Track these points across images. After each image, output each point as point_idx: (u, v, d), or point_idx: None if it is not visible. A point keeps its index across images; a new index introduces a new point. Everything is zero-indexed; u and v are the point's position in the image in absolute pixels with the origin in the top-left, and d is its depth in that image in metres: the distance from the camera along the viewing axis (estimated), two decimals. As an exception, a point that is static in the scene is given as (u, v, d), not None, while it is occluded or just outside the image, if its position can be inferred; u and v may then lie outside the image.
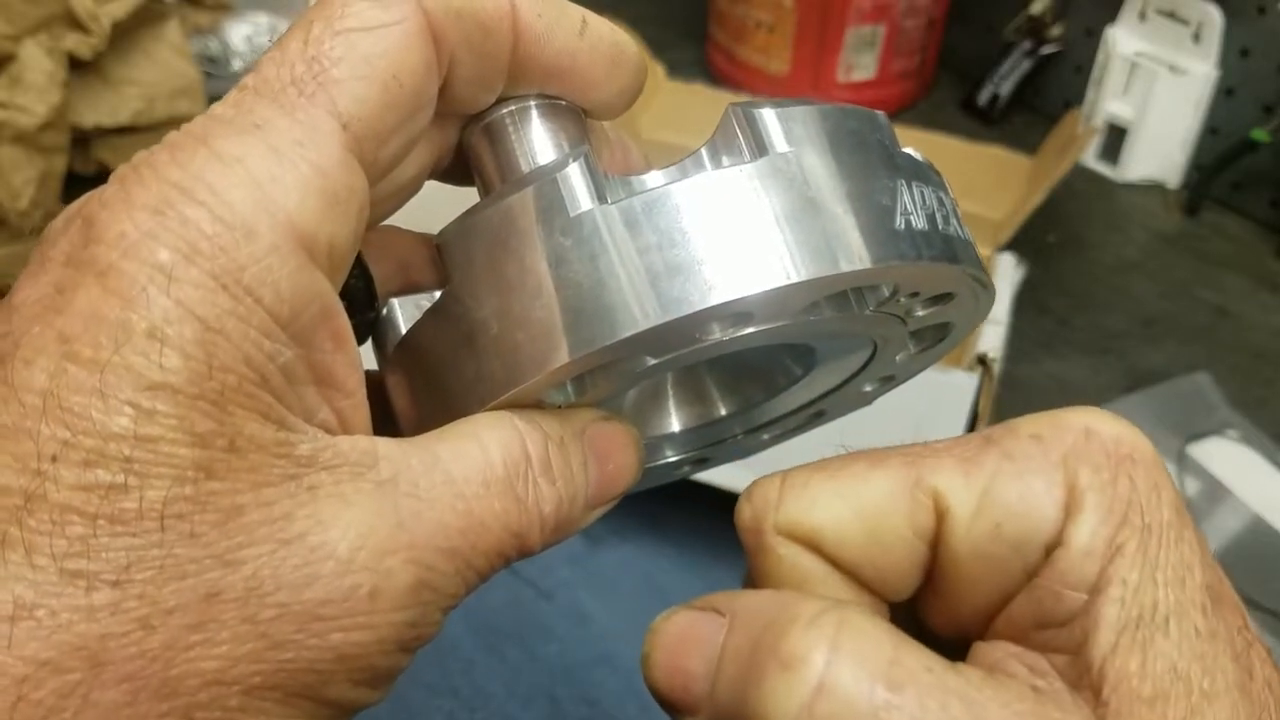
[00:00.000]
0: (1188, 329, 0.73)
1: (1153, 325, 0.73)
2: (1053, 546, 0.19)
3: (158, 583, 0.16)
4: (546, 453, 0.20)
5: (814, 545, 0.20)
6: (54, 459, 0.16)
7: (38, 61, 0.67)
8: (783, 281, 0.19)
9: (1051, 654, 0.19)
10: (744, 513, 0.21)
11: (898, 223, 0.20)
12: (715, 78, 0.96)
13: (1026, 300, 0.71)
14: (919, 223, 0.20)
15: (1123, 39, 0.84)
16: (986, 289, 0.24)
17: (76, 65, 0.70)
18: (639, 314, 0.18)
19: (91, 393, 0.16)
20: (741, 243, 0.19)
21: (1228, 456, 0.62)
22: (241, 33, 0.91)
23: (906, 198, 0.21)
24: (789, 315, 0.20)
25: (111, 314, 0.16)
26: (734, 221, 0.19)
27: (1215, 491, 0.60)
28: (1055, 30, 0.90)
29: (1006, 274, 0.62)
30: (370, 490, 0.18)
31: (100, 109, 0.72)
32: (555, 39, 0.21)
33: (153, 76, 0.73)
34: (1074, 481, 0.19)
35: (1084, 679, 0.18)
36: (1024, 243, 0.64)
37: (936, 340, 0.26)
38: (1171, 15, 0.82)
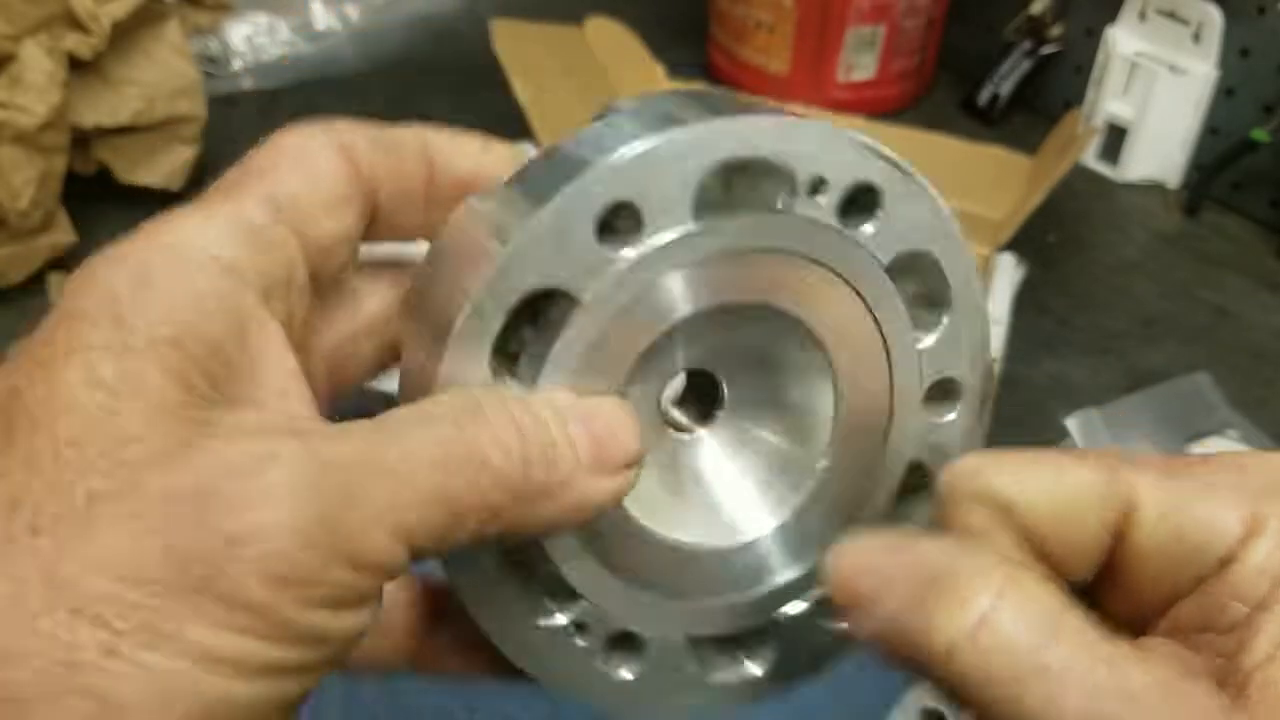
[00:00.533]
0: (1188, 329, 0.73)
1: (1153, 325, 0.73)
2: (1228, 560, 0.21)
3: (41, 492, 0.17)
4: (503, 402, 0.21)
5: (1006, 512, 0.22)
6: None
7: (38, 61, 0.67)
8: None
9: (1207, 655, 0.21)
10: (947, 475, 0.23)
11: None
12: (716, 78, 0.96)
13: (1026, 300, 0.71)
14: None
15: (1123, 39, 0.84)
16: (908, 175, 0.25)
17: (76, 65, 0.70)
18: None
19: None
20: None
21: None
22: (241, 33, 0.91)
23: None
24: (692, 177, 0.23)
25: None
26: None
27: (1215, 491, 0.60)
28: (1055, 30, 0.90)
29: (1006, 274, 0.62)
30: (284, 424, 0.20)
31: (100, 109, 0.72)
32: (461, 162, 0.26)
33: (153, 76, 0.73)
34: (1261, 510, 0.21)
35: (1231, 680, 0.20)
36: (1024, 243, 0.65)
37: (938, 304, 0.26)
38: (1171, 15, 0.82)
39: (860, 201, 0.25)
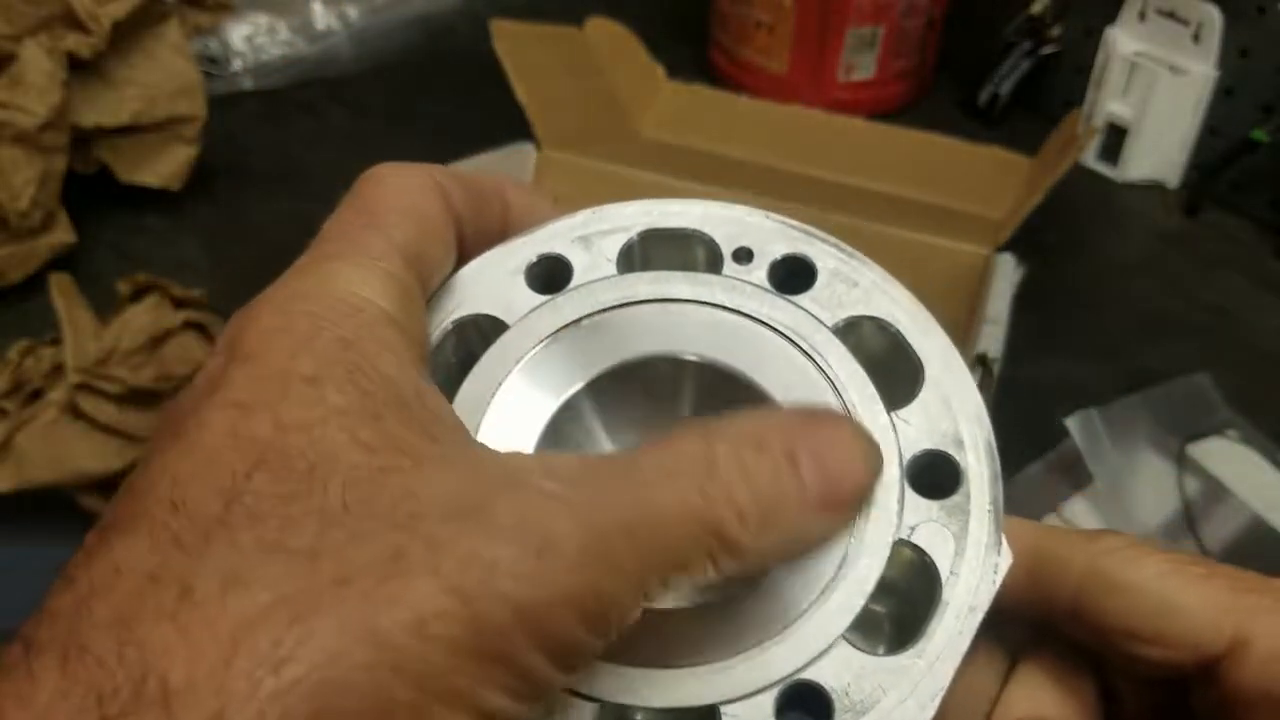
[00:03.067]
0: (1188, 329, 0.73)
1: (1153, 325, 0.73)
2: None
3: (348, 547, 0.17)
4: (734, 448, 0.20)
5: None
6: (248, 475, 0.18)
7: (38, 62, 0.67)
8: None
9: None
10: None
11: None
12: (716, 78, 0.96)
13: (1026, 300, 0.71)
14: None
15: (1123, 39, 0.84)
16: (852, 257, 0.26)
17: (77, 65, 0.70)
18: None
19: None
20: None
21: (1228, 456, 0.62)
22: (241, 33, 0.91)
23: None
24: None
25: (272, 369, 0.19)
26: None
27: (1215, 491, 0.60)
28: (1055, 30, 0.90)
29: (1006, 274, 0.62)
30: (536, 466, 0.19)
31: (100, 109, 0.72)
32: (538, 208, 0.27)
33: (153, 77, 0.73)
34: None
35: None
36: (1024, 243, 0.65)
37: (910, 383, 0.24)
38: (1171, 15, 0.82)
39: (796, 273, 0.25)
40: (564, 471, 0.19)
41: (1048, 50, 0.90)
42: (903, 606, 0.22)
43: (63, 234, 0.70)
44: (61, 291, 0.57)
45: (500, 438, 0.23)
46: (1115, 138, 0.86)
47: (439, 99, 0.92)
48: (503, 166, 0.68)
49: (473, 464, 0.19)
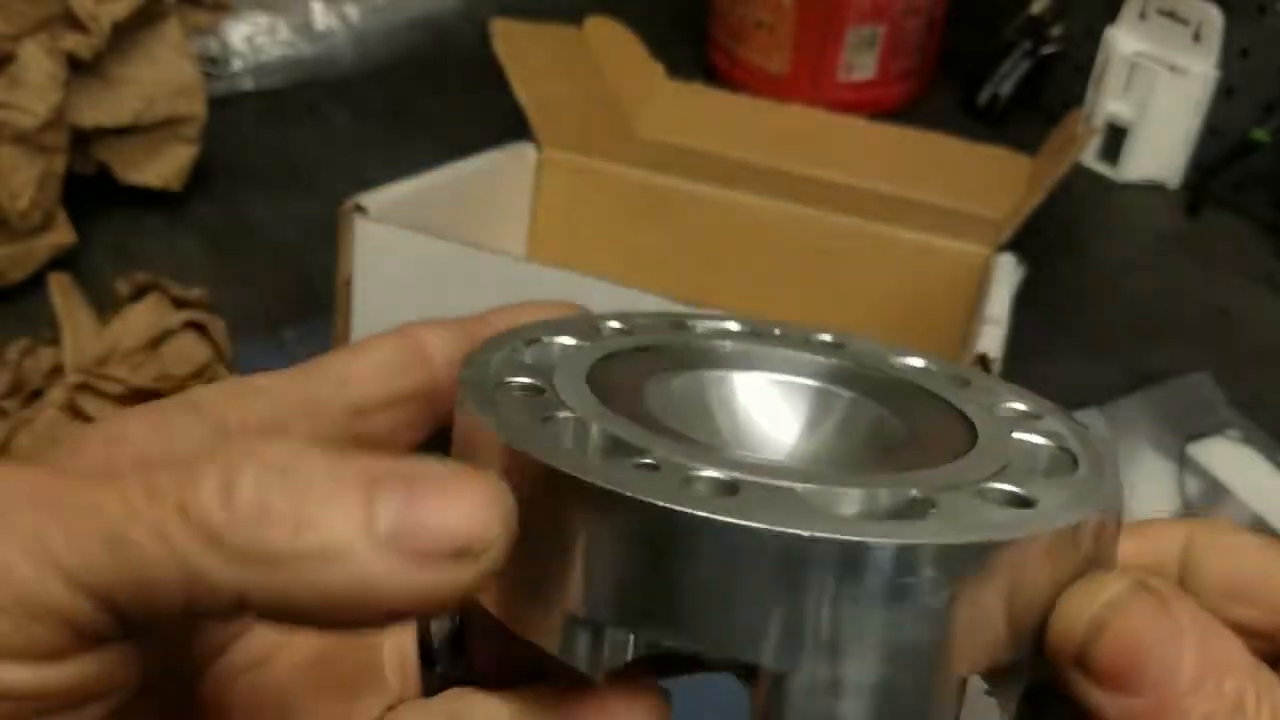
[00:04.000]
0: (1188, 329, 0.73)
1: (1153, 325, 0.73)
2: None
3: None
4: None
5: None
6: None
7: (37, 61, 0.67)
8: None
9: None
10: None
11: None
12: (716, 78, 0.96)
13: (1026, 300, 0.71)
14: None
15: (1123, 39, 0.84)
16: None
17: (76, 65, 0.70)
18: None
19: None
20: None
21: (1228, 456, 0.62)
22: (241, 33, 0.91)
23: None
24: None
25: None
26: None
27: (1215, 491, 0.60)
28: (1055, 30, 0.90)
29: (1006, 274, 0.62)
30: None
31: (100, 109, 0.72)
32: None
33: (153, 76, 0.73)
34: None
35: None
36: (1024, 242, 0.65)
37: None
38: (1172, 15, 0.82)
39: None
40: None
41: (1048, 50, 0.90)
42: None
43: (62, 234, 0.70)
44: (61, 291, 0.57)
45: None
46: (1115, 138, 0.86)
47: (439, 99, 0.92)
48: (502, 166, 0.68)
49: None
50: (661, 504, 0.16)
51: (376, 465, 0.16)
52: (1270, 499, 0.59)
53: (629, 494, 0.16)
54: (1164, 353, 0.70)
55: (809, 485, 0.17)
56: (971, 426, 0.21)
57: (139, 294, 0.58)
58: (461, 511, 0.15)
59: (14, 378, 0.54)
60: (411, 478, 0.16)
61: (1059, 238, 0.80)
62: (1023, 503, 0.18)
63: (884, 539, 0.16)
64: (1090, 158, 0.87)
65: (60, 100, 0.67)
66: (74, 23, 0.70)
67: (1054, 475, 0.19)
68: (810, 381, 0.23)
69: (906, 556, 0.16)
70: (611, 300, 0.50)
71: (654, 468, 0.17)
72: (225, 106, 0.87)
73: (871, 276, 0.67)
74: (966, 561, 0.16)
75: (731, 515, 0.16)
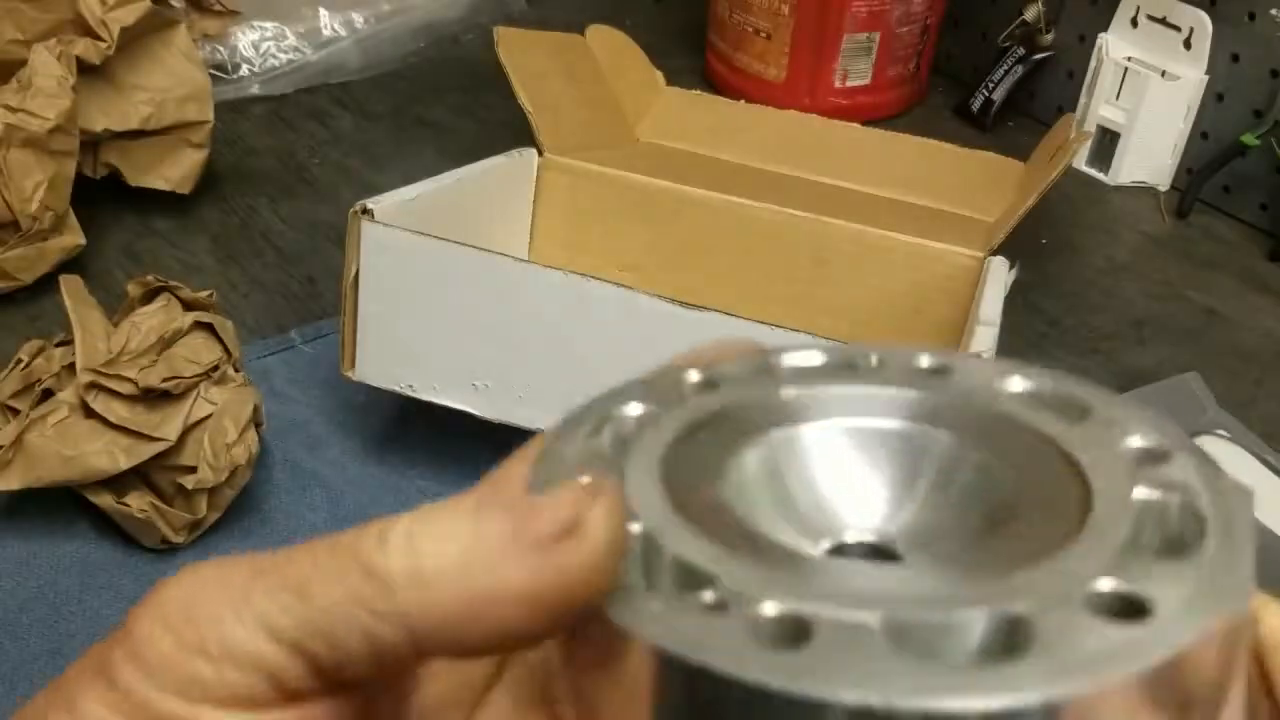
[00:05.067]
0: (1178, 330, 0.74)
1: (1143, 326, 0.74)
2: None
3: None
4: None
5: None
6: None
7: (48, 67, 0.68)
8: None
9: None
10: None
11: None
12: (714, 84, 0.97)
13: (1018, 302, 0.72)
14: None
15: (1114, 45, 0.85)
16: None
17: (86, 70, 0.71)
18: None
19: None
20: None
21: (1218, 456, 0.62)
22: (249, 39, 0.92)
23: None
24: None
25: None
26: None
27: (1204, 489, 0.61)
28: (1048, 37, 0.91)
29: (1000, 277, 0.63)
30: None
31: (110, 114, 0.73)
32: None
33: (162, 82, 0.75)
34: None
35: None
36: (1017, 245, 0.66)
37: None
38: (1163, 22, 0.83)
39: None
40: None
41: (1040, 56, 0.91)
42: None
43: (73, 236, 0.71)
44: (71, 292, 0.58)
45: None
46: (1107, 142, 0.87)
47: (443, 105, 0.93)
48: (506, 171, 0.69)
49: None
50: (726, 672, 0.15)
51: (490, 497, 0.19)
52: (1260, 499, 0.60)
53: (693, 661, 0.16)
54: (1154, 354, 0.71)
55: (891, 617, 0.16)
56: (1086, 482, 0.19)
57: (149, 295, 0.59)
58: (560, 500, 0.18)
59: (25, 377, 0.55)
60: (519, 500, 0.18)
61: (1051, 241, 0.81)
62: (1139, 609, 0.16)
63: (969, 704, 0.14)
64: (1082, 162, 0.88)
65: (70, 105, 0.68)
66: (84, 29, 0.71)
67: (1177, 553, 0.17)
68: (902, 424, 0.21)
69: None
70: (612, 299, 0.52)
71: (721, 606, 0.16)
72: (233, 112, 0.88)
73: (867, 279, 0.68)
74: (1064, 711, 0.15)
75: (800, 681, 0.15)
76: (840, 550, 0.21)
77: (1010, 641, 0.16)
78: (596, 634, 0.18)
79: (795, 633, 0.16)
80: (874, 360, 0.23)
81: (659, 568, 0.18)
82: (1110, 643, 0.15)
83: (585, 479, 0.19)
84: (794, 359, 0.23)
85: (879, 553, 0.20)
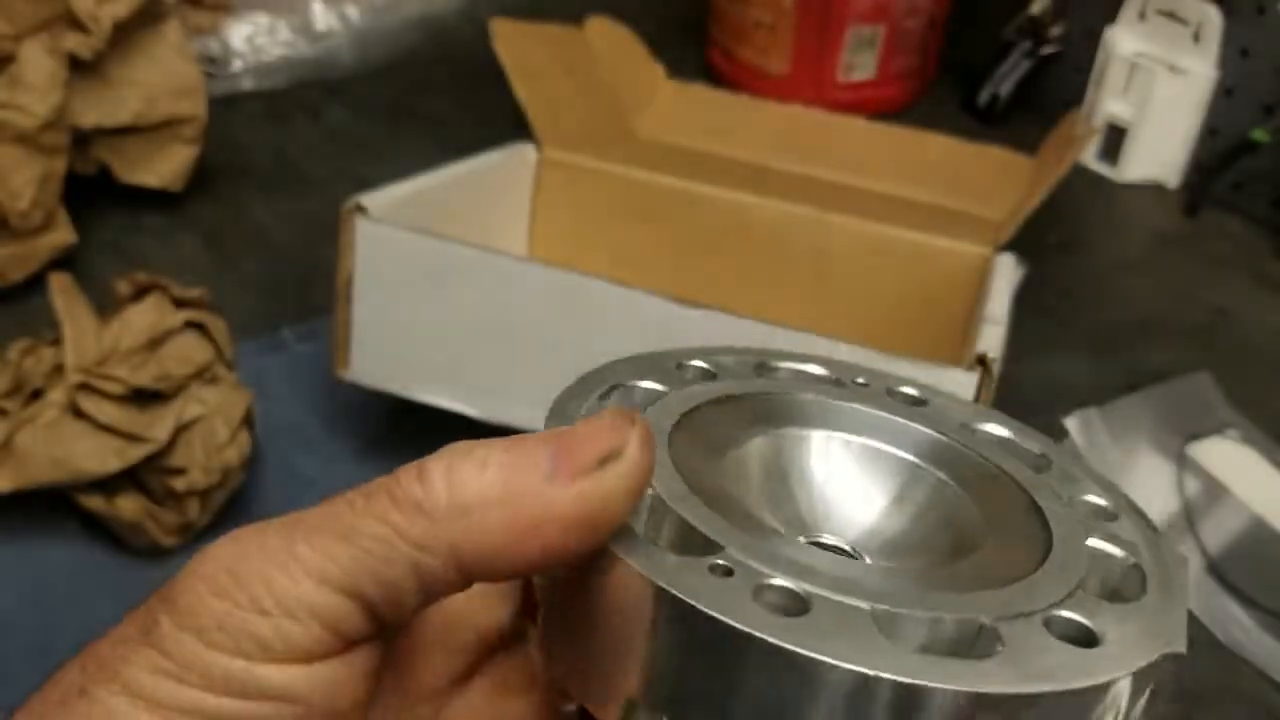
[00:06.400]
0: (1188, 329, 0.73)
1: (1152, 325, 0.73)
2: None
3: None
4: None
5: None
6: None
7: (38, 62, 0.67)
8: None
9: None
10: None
11: None
12: (715, 78, 0.96)
13: (1026, 300, 0.71)
14: None
15: (1122, 39, 0.84)
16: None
17: (77, 65, 0.70)
18: None
19: None
20: None
21: (1228, 456, 0.62)
22: (242, 33, 0.91)
23: None
24: None
25: None
26: None
27: (1215, 491, 0.60)
28: (1055, 30, 0.90)
29: (1006, 274, 0.62)
30: None
31: (101, 109, 0.72)
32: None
33: (153, 77, 0.74)
34: None
35: None
36: (1024, 243, 0.65)
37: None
38: (1171, 15, 0.82)
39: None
40: None
41: (1048, 50, 0.90)
42: None
43: (63, 234, 0.70)
44: (62, 291, 0.57)
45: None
46: (1115, 138, 0.86)
47: (439, 99, 0.92)
48: (503, 166, 0.68)
49: None
50: (733, 624, 0.17)
51: (530, 436, 0.19)
52: (1270, 499, 0.59)
53: (702, 608, 0.17)
54: (1163, 353, 0.70)
55: (879, 605, 0.17)
56: (1047, 526, 0.21)
57: (139, 294, 0.58)
58: (600, 426, 0.19)
59: (14, 377, 0.54)
60: (558, 433, 0.19)
61: (1059, 238, 0.80)
62: (1090, 639, 0.18)
63: (946, 684, 0.16)
64: (1090, 158, 0.87)
65: (61, 100, 0.67)
66: (75, 23, 0.70)
67: (1124, 598, 0.19)
68: (897, 452, 0.23)
69: (967, 703, 0.16)
70: (612, 297, 0.51)
71: (728, 572, 0.18)
72: (226, 107, 0.87)
73: (872, 276, 0.67)
74: (1027, 709, 0.17)
75: (801, 642, 0.16)
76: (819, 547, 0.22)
77: (981, 645, 0.17)
78: (613, 576, 0.18)
79: (795, 606, 0.17)
80: (860, 380, 0.25)
81: (667, 527, 0.19)
82: (1068, 658, 0.17)
83: (617, 409, 0.19)
84: (790, 365, 0.25)
85: (851, 557, 0.22)
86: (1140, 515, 0.22)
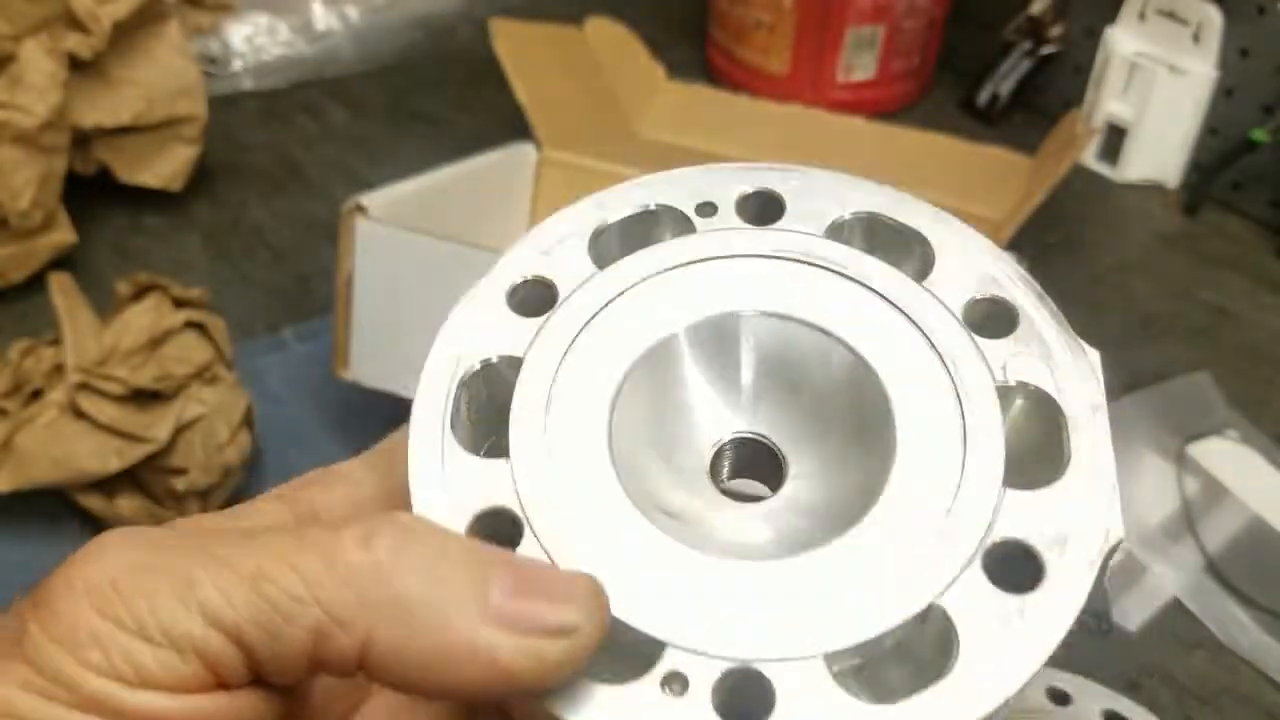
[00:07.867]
0: (1187, 329, 0.73)
1: (1152, 325, 0.73)
2: None
3: None
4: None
5: None
6: None
7: (38, 62, 0.67)
8: None
9: None
10: None
11: None
12: (715, 78, 0.96)
13: (1026, 300, 0.71)
14: None
15: (1122, 39, 0.84)
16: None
17: (77, 65, 0.70)
18: None
19: None
20: None
21: (1228, 456, 0.62)
22: (242, 33, 0.91)
23: None
24: None
25: None
26: None
27: (1215, 491, 0.60)
28: (1055, 30, 0.90)
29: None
30: None
31: (101, 109, 0.72)
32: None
33: (153, 77, 0.73)
34: None
35: None
36: (1024, 243, 0.65)
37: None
38: (1171, 16, 0.82)
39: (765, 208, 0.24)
40: None
41: (1048, 50, 0.90)
42: None
43: (63, 234, 0.70)
44: (62, 291, 0.57)
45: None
46: (1115, 138, 0.86)
47: (439, 99, 0.92)
48: (503, 166, 0.68)
49: None
50: None
51: (489, 550, 0.18)
52: (1269, 499, 0.59)
53: None
54: (1163, 353, 0.70)
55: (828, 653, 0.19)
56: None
57: (139, 294, 0.58)
58: (567, 592, 0.18)
59: (15, 377, 0.54)
60: (519, 565, 0.18)
61: (1059, 238, 0.80)
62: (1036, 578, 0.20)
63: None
64: (1090, 158, 0.87)
65: (61, 100, 0.67)
66: (75, 23, 0.70)
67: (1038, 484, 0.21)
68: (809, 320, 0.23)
69: None
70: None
71: (680, 685, 0.18)
72: (226, 106, 0.87)
73: (871, 276, 0.66)
74: None
75: None
76: (729, 452, 0.23)
77: (941, 643, 0.19)
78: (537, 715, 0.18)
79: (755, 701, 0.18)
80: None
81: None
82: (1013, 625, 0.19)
83: (589, 576, 0.18)
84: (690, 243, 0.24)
85: (769, 454, 0.23)
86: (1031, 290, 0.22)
